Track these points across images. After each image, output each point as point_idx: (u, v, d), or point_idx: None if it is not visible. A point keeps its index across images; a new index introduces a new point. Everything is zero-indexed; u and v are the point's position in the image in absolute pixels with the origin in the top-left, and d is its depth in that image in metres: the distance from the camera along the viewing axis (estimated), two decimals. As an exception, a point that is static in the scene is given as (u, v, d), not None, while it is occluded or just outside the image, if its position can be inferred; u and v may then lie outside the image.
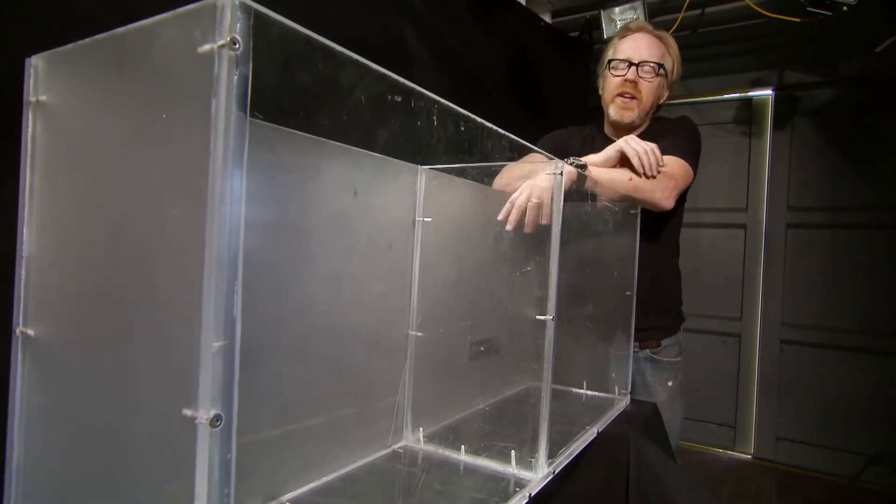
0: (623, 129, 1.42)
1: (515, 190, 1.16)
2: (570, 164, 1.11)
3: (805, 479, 2.79)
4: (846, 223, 2.84)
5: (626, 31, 1.42)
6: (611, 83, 1.40)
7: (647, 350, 1.45)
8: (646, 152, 1.18)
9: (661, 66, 1.35)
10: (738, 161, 3.12)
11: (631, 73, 1.35)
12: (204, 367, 0.36)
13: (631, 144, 1.18)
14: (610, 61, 1.41)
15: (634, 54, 1.36)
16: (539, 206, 1.01)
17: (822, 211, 2.91)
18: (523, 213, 1.03)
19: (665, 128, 1.43)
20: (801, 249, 2.96)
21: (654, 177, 1.20)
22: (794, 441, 2.93)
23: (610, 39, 1.46)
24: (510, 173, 1.16)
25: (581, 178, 1.12)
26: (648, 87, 1.36)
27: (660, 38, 1.39)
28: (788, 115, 2.98)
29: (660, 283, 1.46)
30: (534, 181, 1.03)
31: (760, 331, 3.04)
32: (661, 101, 1.44)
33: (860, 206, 2.80)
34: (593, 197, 1.21)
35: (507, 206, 1.04)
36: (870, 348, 2.74)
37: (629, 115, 1.38)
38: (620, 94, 1.38)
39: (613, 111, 1.40)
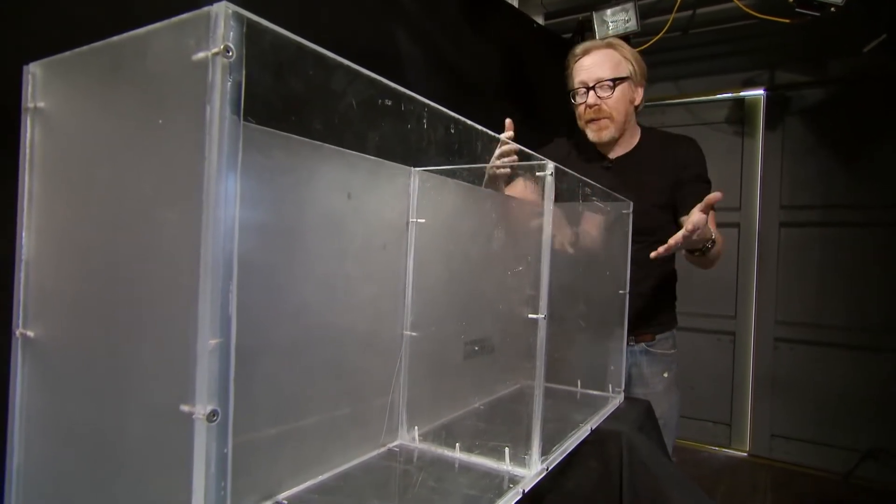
0: (606, 145, 1.45)
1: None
2: (706, 240, 1.23)
3: (800, 475, 2.81)
4: (838, 221, 2.87)
5: (573, 56, 1.45)
6: (578, 112, 1.44)
7: (643, 343, 1.48)
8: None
9: (615, 80, 1.37)
10: (731, 161, 3.14)
11: (591, 98, 1.38)
12: (200, 363, 0.37)
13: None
14: (569, 92, 1.45)
15: (588, 77, 1.39)
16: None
17: (815, 209, 2.93)
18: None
19: (674, 157, 1.44)
20: (794, 248, 2.99)
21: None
22: (788, 438, 2.95)
23: (569, 68, 1.48)
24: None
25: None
26: (612, 101, 1.39)
27: (608, 47, 1.41)
28: (780, 115, 3.01)
29: (657, 282, 1.48)
30: None
31: (755, 329, 3.07)
32: (638, 103, 1.45)
33: (852, 204, 2.83)
34: (584, 196, 1.22)
35: None
36: (863, 345, 2.77)
37: (606, 134, 1.41)
38: (590, 121, 1.41)
39: (590, 135, 1.44)
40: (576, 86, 1.42)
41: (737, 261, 3.13)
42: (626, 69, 1.39)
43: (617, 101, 1.39)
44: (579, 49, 1.44)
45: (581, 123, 1.45)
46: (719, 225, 1.36)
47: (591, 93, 1.38)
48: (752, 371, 3.07)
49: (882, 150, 2.75)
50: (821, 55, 2.85)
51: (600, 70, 1.38)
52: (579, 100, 1.42)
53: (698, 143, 1.47)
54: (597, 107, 1.38)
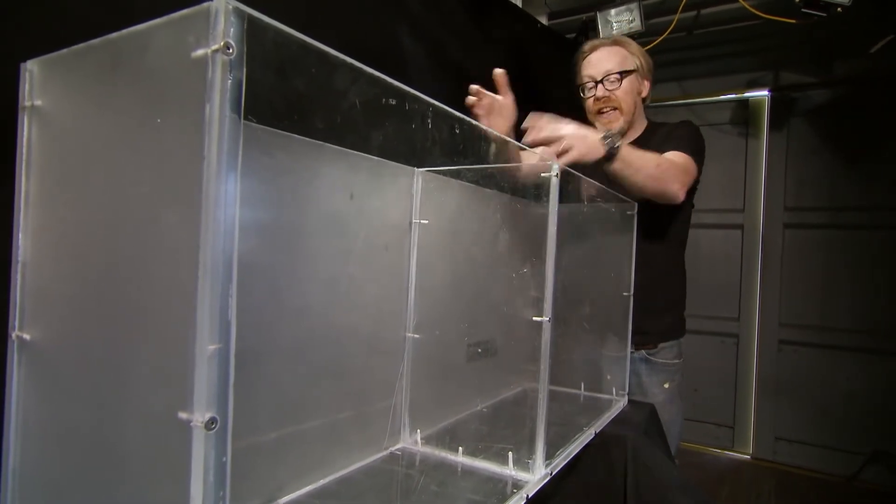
0: None
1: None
2: (604, 139, 1.10)
3: (803, 478, 2.79)
4: (843, 223, 2.85)
5: (581, 54, 1.48)
6: (588, 106, 1.46)
7: (643, 350, 1.44)
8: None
9: (622, 72, 1.40)
10: (735, 162, 3.13)
11: (599, 91, 1.42)
12: (199, 370, 0.36)
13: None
14: (578, 87, 1.47)
15: (595, 71, 1.42)
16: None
17: (819, 211, 2.91)
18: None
19: (667, 132, 1.44)
20: (798, 250, 2.97)
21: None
22: (792, 441, 2.93)
23: (577, 65, 1.49)
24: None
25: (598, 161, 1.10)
26: (620, 93, 1.41)
27: (615, 44, 1.45)
28: (785, 116, 2.99)
29: (661, 286, 1.45)
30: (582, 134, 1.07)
31: (758, 331, 3.05)
32: (645, 95, 1.47)
33: (857, 206, 2.81)
34: (591, 198, 1.21)
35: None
36: (867, 348, 2.75)
37: (615, 127, 1.43)
38: (598, 112, 1.43)
39: (599, 128, 1.42)
40: (584, 80, 1.44)
41: (740, 262, 3.11)
42: (632, 63, 1.42)
43: (625, 93, 1.41)
44: (587, 46, 1.48)
45: (590, 117, 1.46)
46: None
47: (600, 86, 1.41)
48: (755, 373, 3.05)
49: (888, 151, 2.73)
50: (826, 56, 2.84)
51: (608, 63, 1.41)
52: (588, 93, 1.44)
53: (692, 122, 1.46)
54: (605, 98, 1.41)
